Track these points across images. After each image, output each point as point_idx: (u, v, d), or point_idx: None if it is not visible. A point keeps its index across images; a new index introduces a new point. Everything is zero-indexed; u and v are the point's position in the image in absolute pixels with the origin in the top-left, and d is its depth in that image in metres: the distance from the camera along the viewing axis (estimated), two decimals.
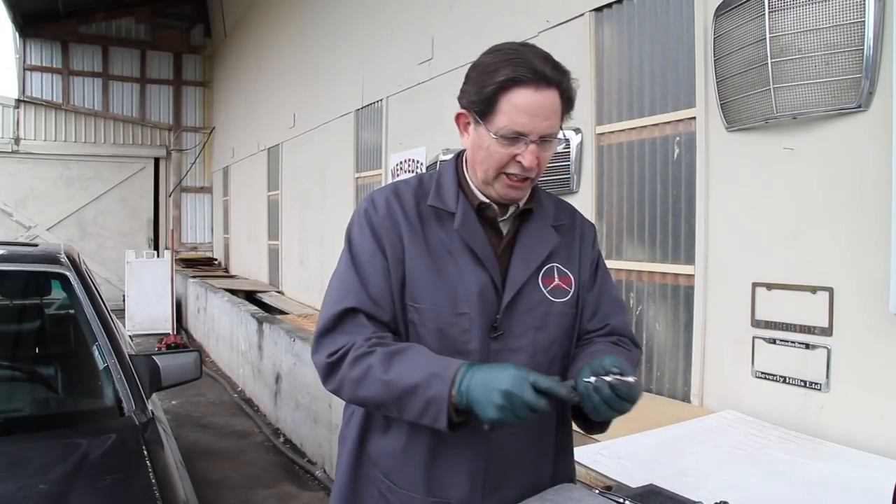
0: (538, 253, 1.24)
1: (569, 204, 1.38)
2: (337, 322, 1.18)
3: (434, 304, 1.18)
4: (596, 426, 1.24)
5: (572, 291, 1.27)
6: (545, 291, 1.24)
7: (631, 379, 1.07)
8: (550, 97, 1.13)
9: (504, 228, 1.26)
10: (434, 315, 1.18)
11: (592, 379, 1.07)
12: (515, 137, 1.13)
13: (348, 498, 1.27)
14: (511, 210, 1.25)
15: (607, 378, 1.07)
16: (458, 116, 1.23)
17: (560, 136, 1.18)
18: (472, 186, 1.24)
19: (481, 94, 1.14)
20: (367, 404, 1.19)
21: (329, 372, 1.18)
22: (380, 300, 1.18)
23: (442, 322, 1.18)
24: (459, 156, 1.28)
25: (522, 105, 1.12)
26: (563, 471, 1.33)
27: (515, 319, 1.21)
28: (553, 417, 1.26)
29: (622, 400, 1.07)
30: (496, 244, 1.24)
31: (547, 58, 1.15)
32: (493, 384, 1.03)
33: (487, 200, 1.23)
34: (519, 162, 1.15)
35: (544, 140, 1.15)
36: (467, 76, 1.19)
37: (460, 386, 1.06)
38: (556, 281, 1.25)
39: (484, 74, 1.15)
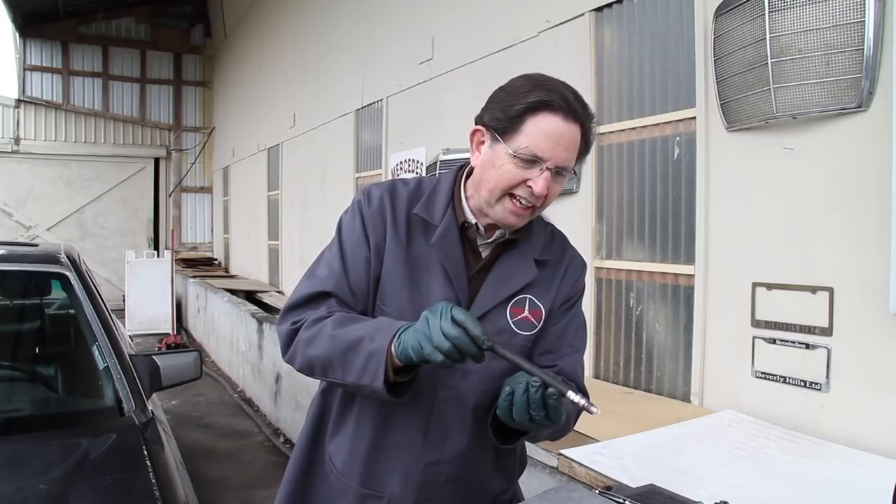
0: (511, 284, 1.23)
1: (564, 237, 1.35)
2: (310, 300, 1.21)
3: (398, 311, 1.19)
4: (507, 435, 1.20)
5: (539, 326, 1.26)
6: (510, 321, 1.23)
7: (572, 394, 1.04)
8: (574, 132, 1.13)
9: (483, 252, 1.25)
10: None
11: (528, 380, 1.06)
12: (533, 161, 1.12)
13: (303, 472, 1.32)
14: (496, 235, 1.24)
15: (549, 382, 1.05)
16: (473, 133, 1.21)
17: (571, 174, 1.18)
18: (465, 204, 1.23)
19: (508, 111, 1.13)
20: (314, 366, 1.18)
21: (290, 340, 1.20)
22: (357, 291, 1.22)
23: None
24: (462, 168, 1.27)
25: (548, 130, 1.11)
26: (506, 496, 1.33)
27: None
28: (490, 442, 1.24)
29: (548, 407, 1.05)
30: (472, 265, 1.24)
31: (577, 95, 1.15)
32: (421, 323, 1.05)
33: (473, 221, 1.23)
34: (530, 187, 1.13)
35: (558, 172, 1.14)
36: (493, 96, 1.19)
37: (400, 337, 1.07)
38: (526, 313, 1.24)
39: (513, 95, 1.14)
